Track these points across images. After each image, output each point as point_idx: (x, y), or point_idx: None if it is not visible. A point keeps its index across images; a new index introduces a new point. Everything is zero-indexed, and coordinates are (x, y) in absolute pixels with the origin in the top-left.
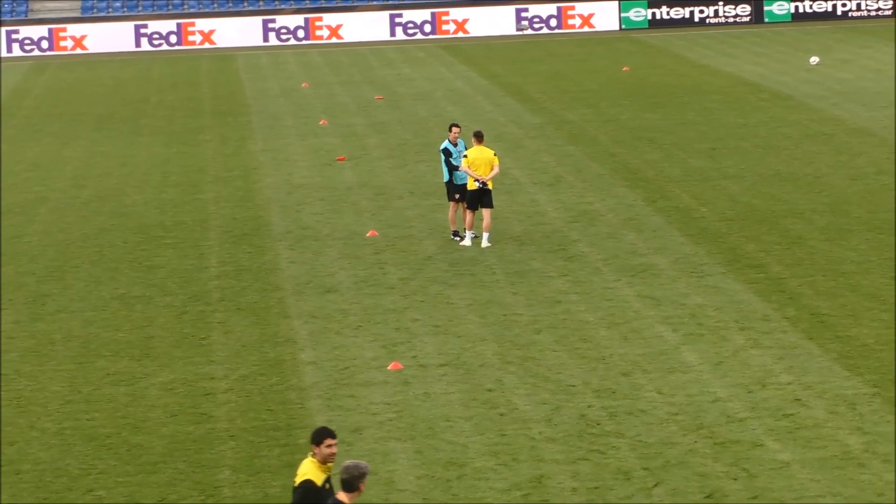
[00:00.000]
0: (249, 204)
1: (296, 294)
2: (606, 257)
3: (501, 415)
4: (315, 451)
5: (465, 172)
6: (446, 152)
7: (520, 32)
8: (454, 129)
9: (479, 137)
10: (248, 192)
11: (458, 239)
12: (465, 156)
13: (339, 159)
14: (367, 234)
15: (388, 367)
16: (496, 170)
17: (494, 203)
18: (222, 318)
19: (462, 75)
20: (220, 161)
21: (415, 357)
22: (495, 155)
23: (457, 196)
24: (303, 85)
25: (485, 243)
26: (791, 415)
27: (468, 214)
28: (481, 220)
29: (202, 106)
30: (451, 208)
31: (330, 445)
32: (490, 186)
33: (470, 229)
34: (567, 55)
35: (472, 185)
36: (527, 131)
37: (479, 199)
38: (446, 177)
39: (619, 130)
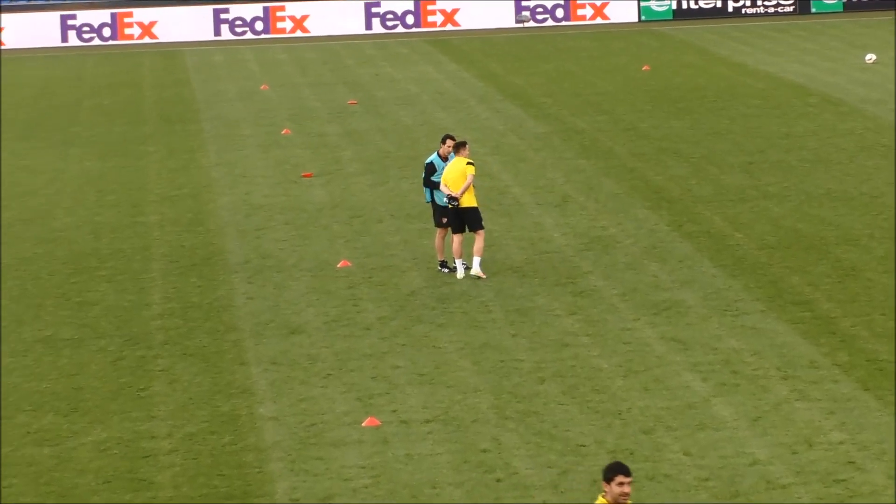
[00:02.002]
0: (200, 228)
1: (254, 336)
2: (624, 292)
3: (498, 480)
4: (606, 491)
5: (442, 191)
6: (429, 168)
7: (520, 25)
8: (448, 143)
9: (458, 148)
10: (198, 215)
11: (446, 270)
12: (439, 170)
13: (306, 175)
14: (340, 265)
15: (364, 424)
16: (468, 180)
17: (489, 226)
18: (166, 364)
19: (453, 75)
20: (165, 177)
21: (395, 411)
22: (469, 164)
23: (444, 220)
24: (263, 87)
25: (475, 270)
26: (843, 480)
27: (455, 240)
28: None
29: (144, 111)
30: (437, 235)
31: (622, 483)
32: (468, 203)
33: (458, 257)
34: (577, 51)
35: (449, 204)
36: (530, 142)
37: (461, 219)
38: (428, 197)
39: (638, 141)
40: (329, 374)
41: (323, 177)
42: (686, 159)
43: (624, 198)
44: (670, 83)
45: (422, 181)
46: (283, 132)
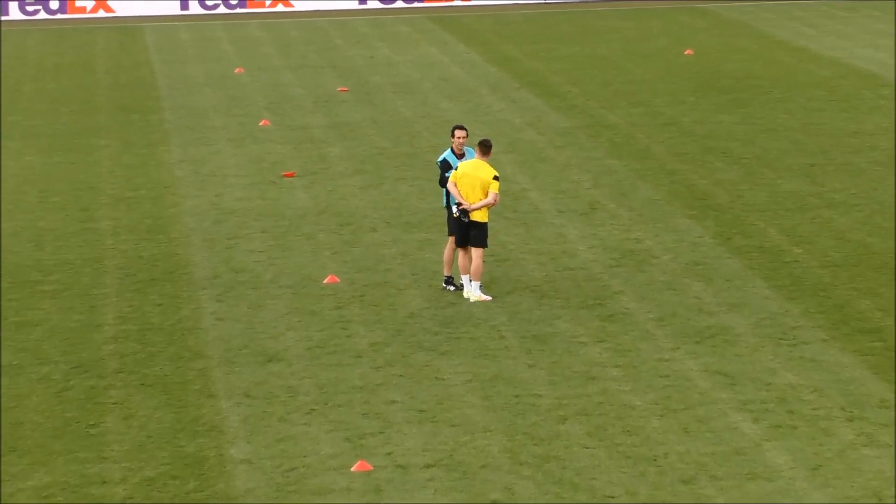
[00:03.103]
0: (161, 237)
1: (225, 364)
2: (661, 316)
3: None
4: None
5: (450, 190)
6: (445, 165)
7: (542, 0)
8: (458, 134)
9: (484, 149)
10: (159, 220)
11: (451, 288)
12: (457, 168)
13: (287, 175)
14: (326, 281)
15: (353, 468)
16: (490, 198)
17: (503, 237)
18: (121, 396)
19: (461, 59)
20: (120, 176)
21: (390, 454)
22: (495, 179)
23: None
24: (237, 70)
25: (469, 292)
26: None
27: (460, 254)
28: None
29: (96, 98)
30: (448, 245)
31: None
32: (479, 218)
33: (466, 273)
34: (609, 32)
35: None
36: (551, 138)
37: (467, 232)
38: (445, 200)
39: (680, 138)
40: (312, 410)
41: (306, 177)
42: (736, 160)
43: (662, 205)
44: (718, 70)
45: (438, 182)
46: (260, 124)
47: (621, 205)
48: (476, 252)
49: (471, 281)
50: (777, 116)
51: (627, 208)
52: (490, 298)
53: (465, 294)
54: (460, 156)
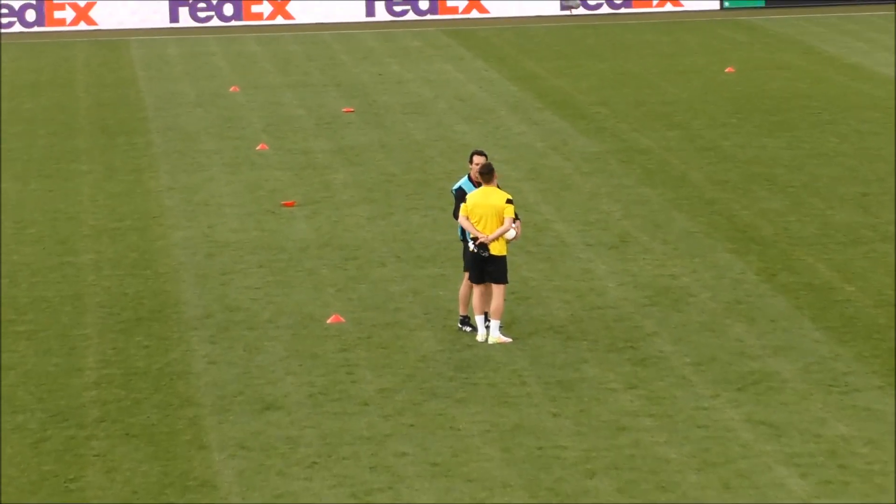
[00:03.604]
0: (148, 272)
1: (218, 412)
2: (699, 361)
3: None
4: None
5: (462, 225)
6: (460, 194)
7: (567, 12)
8: (477, 161)
9: (486, 176)
10: (145, 254)
11: (468, 329)
12: (465, 200)
13: (287, 204)
14: (330, 321)
15: None
16: (508, 226)
17: (524, 273)
18: (103, 448)
19: (478, 76)
20: (103, 205)
21: None
22: (509, 202)
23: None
24: (232, 89)
25: (492, 335)
26: None
27: (475, 292)
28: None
29: (76, 119)
30: (463, 282)
31: None
32: (498, 252)
33: (480, 314)
34: (642, 47)
35: (471, 246)
36: (578, 164)
37: (483, 268)
38: (460, 234)
39: (720, 164)
40: (314, 463)
41: (308, 206)
42: (782, 189)
43: (700, 238)
44: (762, 90)
45: (452, 213)
46: (257, 148)
47: (655, 237)
48: (498, 289)
49: (487, 321)
50: (827, 140)
51: (662, 241)
52: (510, 340)
53: (480, 337)
54: (478, 184)
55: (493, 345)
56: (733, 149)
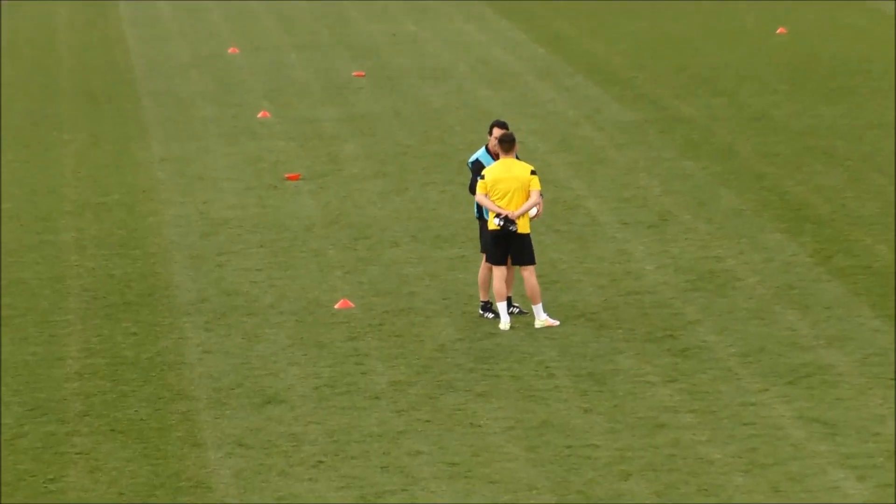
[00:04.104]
0: (137, 252)
1: (213, 406)
2: (746, 352)
3: None
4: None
5: (481, 203)
6: (477, 167)
7: None
8: (496, 132)
9: (506, 145)
10: (134, 232)
11: (490, 315)
12: (483, 176)
13: (291, 178)
14: (338, 306)
15: None
16: (534, 200)
17: (552, 254)
18: (86, 445)
19: (503, 37)
20: (87, 178)
21: None
22: (533, 174)
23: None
24: (230, 50)
25: (539, 319)
26: None
27: (496, 275)
28: (524, 284)
29: (59, 83)
30: (483, 264)
31: None
32: (522, 229)
33: (502, 299)
34: (684, 6)
35: (492, 224)
36: (612, 135)
37: (507, 248)
38: (477, 212)
39: (771, 135)
40: (320, 462)
41: (314, 180)
42: (840, 163)
43: (748, 216)
44: (818, 53)
45: (468, 187)
46: (258, 116)
47: (698, 216)
48: (528, 271)
49: (511, 307)
50: (889, 109)
51: (706, 220)
52: (558, 322)
53: (504, 325)
54: (496, 156)
55: (515, 332)
56: (785, 118)
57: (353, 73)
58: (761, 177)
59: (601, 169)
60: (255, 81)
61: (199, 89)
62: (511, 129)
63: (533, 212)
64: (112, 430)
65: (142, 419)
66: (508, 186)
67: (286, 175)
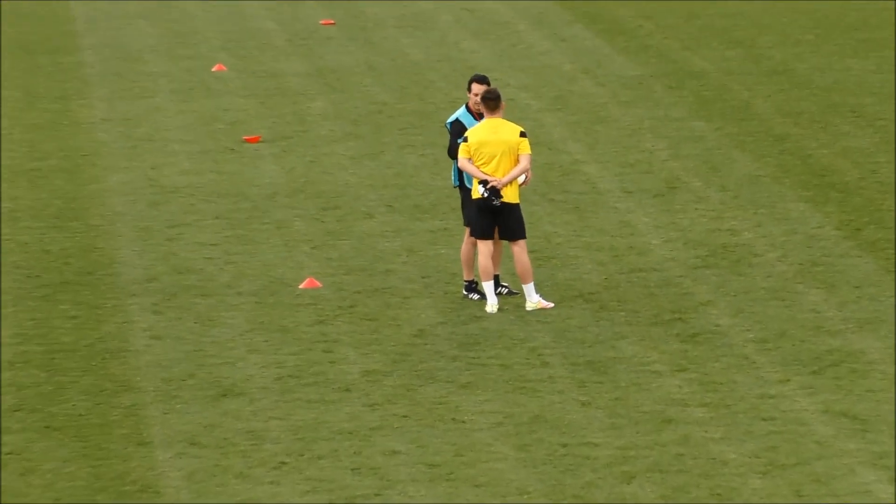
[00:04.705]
0: (76, 224)
1: (163, 400)
2: (765, 337)
3: None
4: None
5: (464, 169)
6: (457, 128)
7: None
8: (476, 90)
9: (490, 103)
10: (73, 202)
11: (475, 297)
12: (466, 139)
13: (250, 140)
14: (303, 285)
15: None
16: (524, 166)
17: (547, 227)
18: (18, 444)
19: None
20: (21, 140)
21: None
22: (522, 136)
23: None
24: None
25: (531, 300)
26: None
27: (481, 250)
28: (513, 260)
29: None
30: (466, 239)
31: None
32: (510, 198)
33: (489, 278)
34: None
35: (476, 193)
36: (615, 91)
37: (493, 220)
38: (456, 180)
39: (793, 91)
40: (283, 463)
41: (277, 143)
42: (870, 122)
43: (768, 183)
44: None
45: (446, 151)
46: (213, 69)
47: (710, 183)
48: (518, 246)
49: (498, 286)
50: None
51: (719, 187)
52: (552, 305)
53: (490, 307)
54: (479, 116)
55: (504, 315)
56: (809, 72)
57: (321, 22)
58: (782, 138)
59: (602, 130)
60: (209, 31)
61: (147, 41)
62: (498, 84)
63: (521, 178)
64: (47, 427)
65: (81, 414)
66: (494, 150)
67: (245, 137)
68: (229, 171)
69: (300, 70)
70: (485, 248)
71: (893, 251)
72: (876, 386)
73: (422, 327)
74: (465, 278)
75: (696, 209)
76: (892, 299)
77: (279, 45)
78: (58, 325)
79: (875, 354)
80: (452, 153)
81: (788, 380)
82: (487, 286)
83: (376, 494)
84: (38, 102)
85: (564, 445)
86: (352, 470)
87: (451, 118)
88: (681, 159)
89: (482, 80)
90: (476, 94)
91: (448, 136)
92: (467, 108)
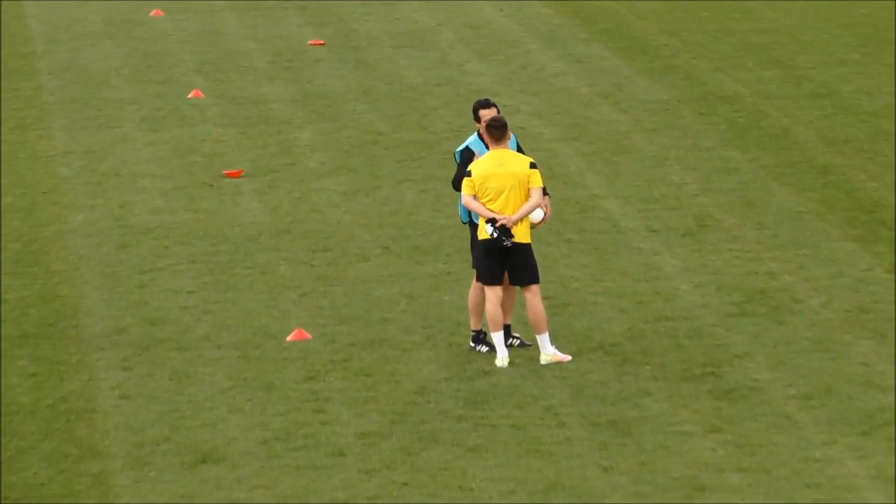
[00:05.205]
0: (36, 269)
1: (133, 467)
2: (808, 392)
3: None
4: None
5: (469, 207)
6: (467, 158)
7: None
8: (484, 115)
9: (497, 130)
10: (32, 245)
11: (484, 349)
12: (469, 173)
13: (231, 175)
14: (291, 338)
15: None
16: (535, 201)
17: (563, 270)
18: None
19: None
20: None
21: None
22: (534, 167)
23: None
24: (153, 13)
25: (545, 353)
26: None
27: (489, 297)
28: (525, 308)
29: None
30: (473, 284)
31: None
32: (522, 238)
33: (497, 328)
34: None
35: (483, 233)
36: (638, 118)
37: (503, 263)
38: (465, 215)
39: (839, 117)
40: None
41: (261, 177)
42: None
43: (810, 220)
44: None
45: (451, 183)
46: (188, 95)
47: (746, 220)
48: (531, 292)
49: (510, 337)
50: None
51: (755, 225)
52: (569, 358)
53: (501, 361)
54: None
55: (516, 369)
56: (855, 95)
57: (309, 42)
58: (825, 170)
59: (623, 161)
60: (184, 52)
61: (113, 63)
62: (507, 111)
63: (538, 216)
64: (4, 500)
65: (42, 483)
66: (502, 184)
67: (225, 171)
68: (207, 209)
69: (285, 96)
70: (493, 294)
71: None
72: None
73: (423, 383)
74: (473, 328)
75: (729, 250)
76: None
77: (262, 67)
78: (15, 383)
79: None
80: (457, 185)
81: (835, 441)
82: (497, 337)
83: None
84: None
85: None
86: None
87: (461, 147)
88: (712, 194)
89: (488, 104)
90: (486, 120)
91: (455, 167)
92: (479, 135)
